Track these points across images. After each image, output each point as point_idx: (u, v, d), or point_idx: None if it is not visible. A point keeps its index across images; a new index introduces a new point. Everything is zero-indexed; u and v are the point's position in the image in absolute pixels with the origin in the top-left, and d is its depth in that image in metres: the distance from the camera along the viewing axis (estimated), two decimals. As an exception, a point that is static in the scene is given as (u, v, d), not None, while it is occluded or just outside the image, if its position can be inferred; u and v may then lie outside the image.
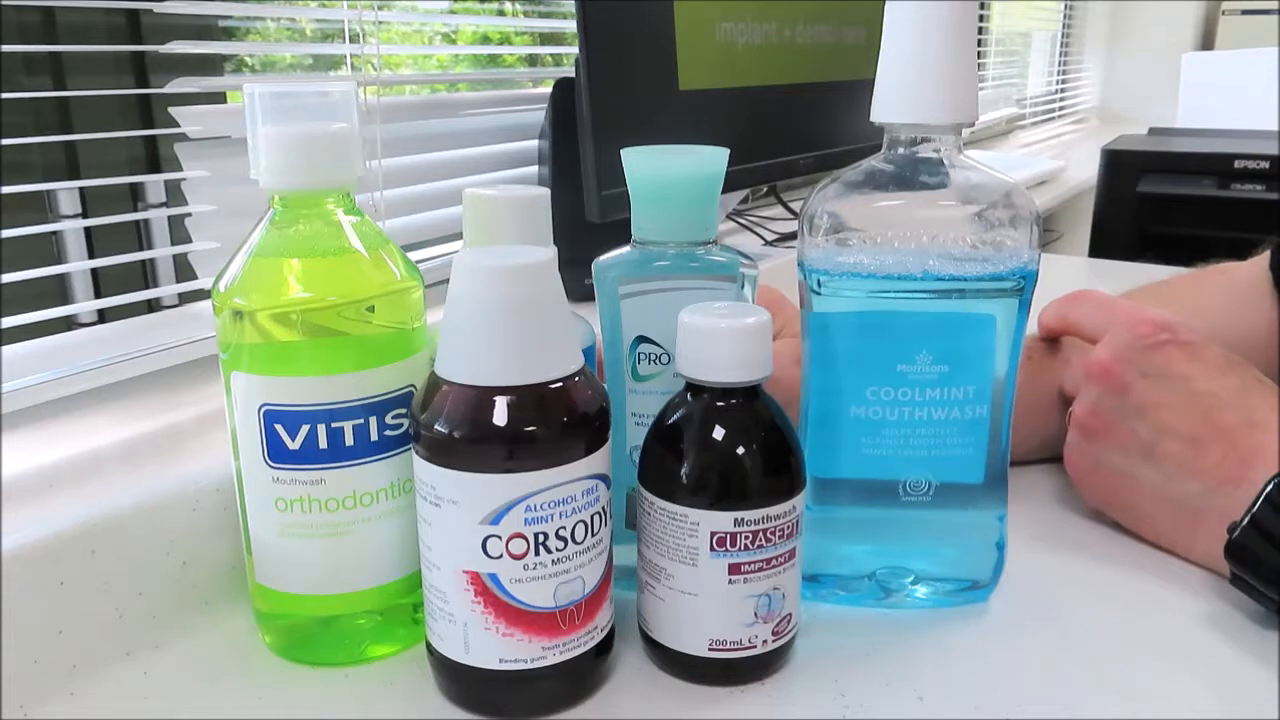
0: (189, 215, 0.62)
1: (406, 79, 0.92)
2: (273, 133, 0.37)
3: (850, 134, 0.96)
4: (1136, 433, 0.48)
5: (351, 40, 0.72)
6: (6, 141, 0.55)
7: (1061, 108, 2.87)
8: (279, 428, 0.38)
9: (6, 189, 0.53)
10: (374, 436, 0.39)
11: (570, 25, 1.05)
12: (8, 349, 0.53)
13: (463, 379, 0.35)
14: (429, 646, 0.39)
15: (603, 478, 0.37)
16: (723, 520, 0.38)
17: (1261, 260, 0.64)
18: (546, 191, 0.43)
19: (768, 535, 0.38)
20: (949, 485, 0.43)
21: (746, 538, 0.38)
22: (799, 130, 0.91)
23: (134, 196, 0.67)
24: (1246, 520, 0.42)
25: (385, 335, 0.39)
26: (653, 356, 0.43)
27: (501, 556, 0.35)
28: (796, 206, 1.19)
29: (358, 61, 0.73)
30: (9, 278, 0.53)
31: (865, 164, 0.42)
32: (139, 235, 0.68)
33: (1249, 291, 0.63)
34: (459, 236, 0.63)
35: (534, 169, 0.86)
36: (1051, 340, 0.56)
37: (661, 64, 0.72)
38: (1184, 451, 0.47)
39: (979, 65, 2.00)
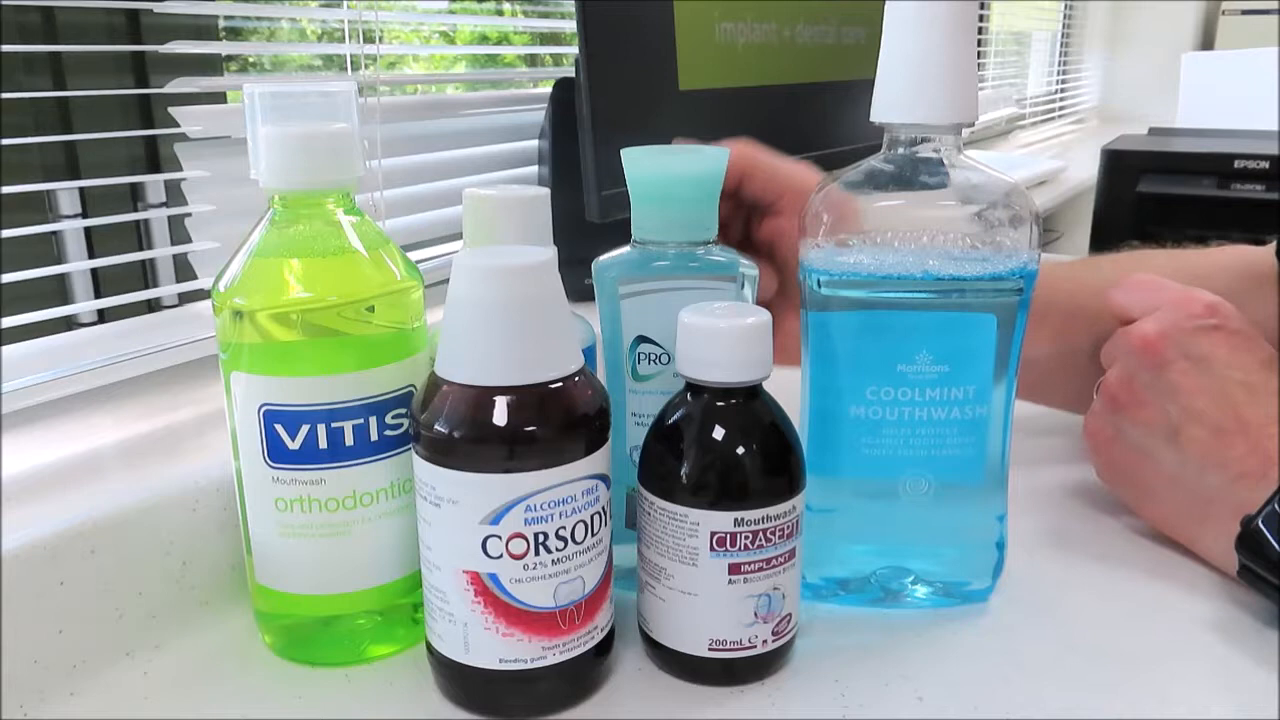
0: (189, 215, 0.62)
1: (406, 79, 0.92)
2: (273, 133, 0.37)
3: (850, 134, 0.95)
4: (1165, 412, 0.47)
5: (351, 40, 0.72)
6: (6, 141, 0.55)
7: (1061, 108, 2.87)
8: (279, 428, 0.38)
9: (6, 189, 0.53)
10: (374, 436, 0.39)
11: (570, 25, 1.04)
12: (8, 349, 0.53)
13: (463, 379, 0.35)
14: (429, 646, 0.39)
15: (603, 478, 0.37)
16: (723, 520, 0.38)
17: (1272, 248, 0.62)
18: (546, 191, 0.43)
19: (768, 535, 0.38)
20: (949, 485, 0.43)
21: (746, 538, 0.38)
22: (799, 130, 0.91)
23: (134, 196, 0.67)
24: (1265, 511, 0.41)
25: (385, 335, 0.39)
26: (653, 356, 0.43)
27: (501, 556, 0.35)
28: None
29: (362, 65, 0.73)
30: (9, 278, 0.53)
31: (865, 164, 0.42)
32: (139, 235, 0.67)
33: (1256, 270, 0.61)
34: (459, 236, 0.63)
35: (534, 169, 0.86)
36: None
37: (661, 64, 0.72)
38: (1208, 440, 0.46)
39: (979, 65, 2.00)
